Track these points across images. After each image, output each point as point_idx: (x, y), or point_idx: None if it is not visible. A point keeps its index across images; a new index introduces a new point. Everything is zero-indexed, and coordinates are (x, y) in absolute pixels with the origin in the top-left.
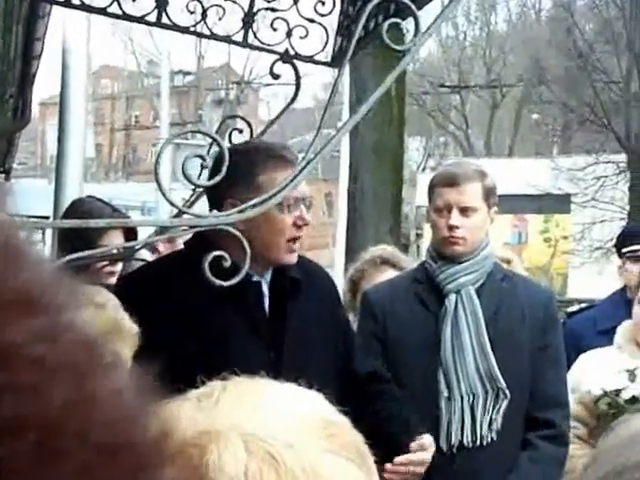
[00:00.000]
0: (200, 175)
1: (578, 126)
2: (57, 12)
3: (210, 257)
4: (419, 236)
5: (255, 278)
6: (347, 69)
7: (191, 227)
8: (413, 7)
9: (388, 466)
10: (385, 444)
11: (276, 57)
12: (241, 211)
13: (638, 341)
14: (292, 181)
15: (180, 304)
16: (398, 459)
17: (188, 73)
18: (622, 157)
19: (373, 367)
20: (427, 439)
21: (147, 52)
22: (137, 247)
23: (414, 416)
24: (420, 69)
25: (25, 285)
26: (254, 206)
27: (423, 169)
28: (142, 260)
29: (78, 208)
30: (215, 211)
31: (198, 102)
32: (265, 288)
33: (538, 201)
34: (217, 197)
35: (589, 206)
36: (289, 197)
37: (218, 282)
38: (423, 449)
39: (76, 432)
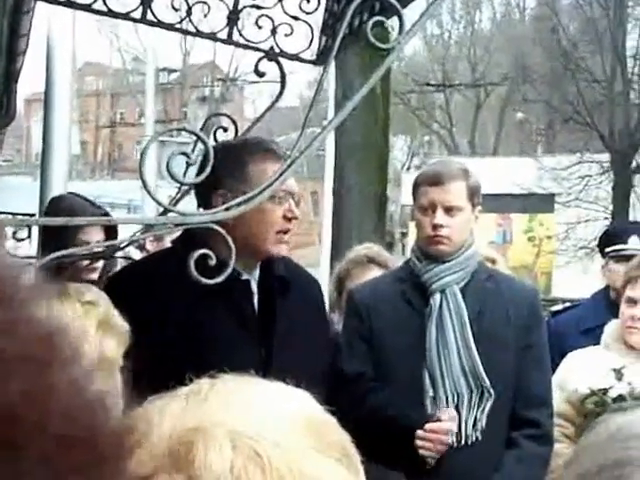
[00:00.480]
0: (186, 173)
1: (562, 125)
2: (42, 8)
3: (195, 255)
4: (404, 235)
5: (244, 276)
6: (332, 67)
7: (177, 225)
8: (397, 5)
9: (419, 432)
10: (392, 428)
11: (261, 55)
12: (227, 209)
13: (625, 340)
14: (278, 178)
15: (168, 302)
16: (429, 426)
17: (173, 70)
18: (606, 157)
19: (359, 368)
20: (453, 410)
21: (132, 49)
22: (122, 245)
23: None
24: (405, 68)
25: None
26: (240, 204)
27: (408, 168)
28: (127, 258)
29: (59, 205)
30: (201, 209)
31: (183, 99)
32: (254, 286)
33: (522, 200)
34: (206, 190)
35: (573, 206)
36: (278, 190)
37: (204, 280)
38: (452, 419)
39: (34, 423)
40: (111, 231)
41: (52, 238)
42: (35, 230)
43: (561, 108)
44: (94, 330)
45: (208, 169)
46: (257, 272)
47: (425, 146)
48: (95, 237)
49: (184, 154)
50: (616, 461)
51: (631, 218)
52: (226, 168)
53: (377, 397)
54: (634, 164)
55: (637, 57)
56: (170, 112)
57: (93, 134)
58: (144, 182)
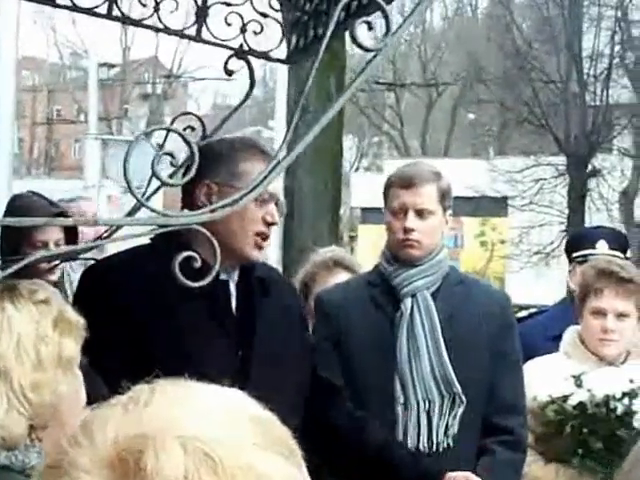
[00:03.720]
0: (151, 174)
1: (516, 126)
2: None
3: (180, 258)
4: (352, 238)
5: (222, 277)
6: (285, 66)
7: (160, 226)
8: (383, 4)
9: None
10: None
11: (228, 53)
12: (213, 210)
13: (588, 347)
14: (265, 179)
15: (147, 300)
16: None
17: (113, 66)
18: (561, 159)
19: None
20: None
21: (70, 43)
22: (97, 245)
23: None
24: (354, 66)
25: None
26: (225, 206)
27: (356, 169)
28: (92, 259)
29: (17, 203)
30: (186, 210)
31: (124, 96)
32: (232, 287)
33: (474, 204)
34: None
35: (527, 209)
36: (263, 192)
37: (189, 283)
38: None
39: None
40: (71, 231)
41: (8, 238)
42: None
43: (515, 109)
44: (51, 330)
45: (194, 169)
46: (236, 273)
47: (374, 147)
48: (53, 236)
49: (169, 154)
50: None
51: (587, 223)
52: (217, 161)
53: (374, 436)
54: (590, 167)
55: (593, 58)
56: (110, 109)
57: (29, 131)
58: (129, 184)
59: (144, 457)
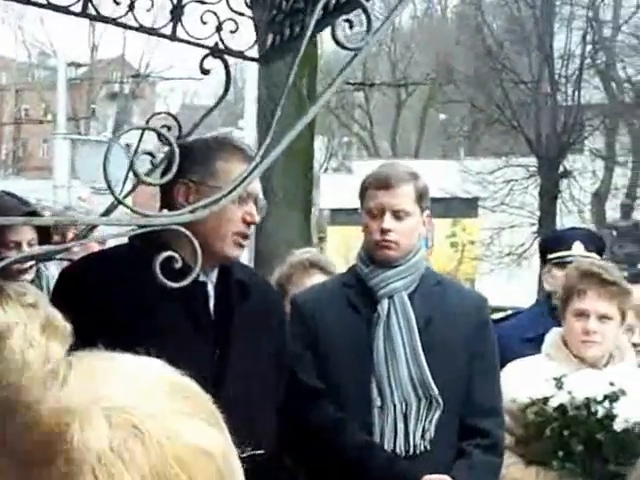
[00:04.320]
0: (128, 172)
1: (487, 127)
2: None
3: (161, 258)
4: (322, 240)
5: (201, 278)
6: (255, 66)
7: (140, 226)
8: (364, 2)
9: None
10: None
11: (198, 52)
12: (193, 211)
13: (569, 349)
14: (246, 179)
15: (125, 300)
16: None
17: (80, 65)
18: (532, 160)
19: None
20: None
21: (39, 43)
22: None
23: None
24: (324, 66)
25: None
26: (205, 206)
27: (325, 170)
28: (68, 260)
29: None
30: (166, 210)
31: (91, 96)
32: (211, 288)
33: (445, 204)
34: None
35: (498, 211)
36: (243, 191)
37: (170, 284)
38: None
39: None
40: (44, 231)
41: None
42: None
43: (486, 110)
44: (39, 334)
45: (174, 169)
46: (215, 275)
47: (344, 147)
48: (27, 237)
49: (149, 154)
50: None
51: (558, 224)
52: (194, 160)
53: (352, 438)
54: (561, 169)
55: (565, 58)
56: (78, 109)
57: None
58: (109, 184)
59: (70, 430)
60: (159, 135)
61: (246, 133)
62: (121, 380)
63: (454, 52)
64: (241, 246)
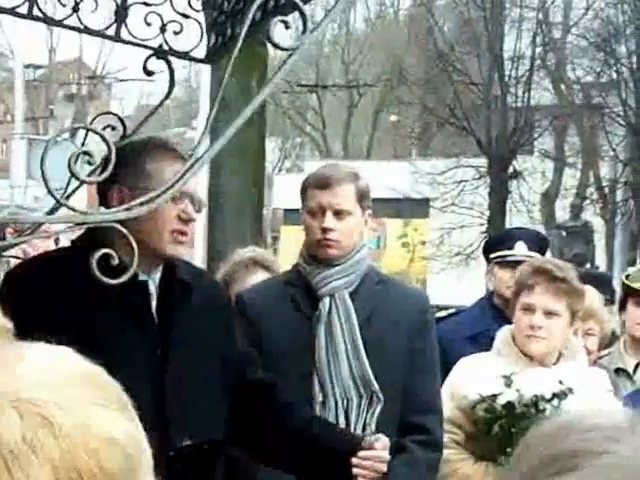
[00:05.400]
0: (71, 170)
1: (438, 128)
2: None
3: (97, 255)
4: (275, 239)
5: (142, 277)
6: (207, 66)
7: (77, 224)
8: (300, 4)
9: (354, 460)
10: (318, 449)
11: (149, 53)
12: (129, 208)
13: (522, 348)
14: (182, 177)
15: (67, 300)
16: (363, 453)
17: (39, 67)
18: (482, 161)
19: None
20: (385, 439)
21: None
22: (16, 243)
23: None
24: (277, 67)
25: None
26: (142, 204)
27: (279, 170)
28: (16, 257)
29: None
30: (102, 208)
31: (49, 97)
32: (152, 288)
33: (396, 205)
34: (103, 185)
35: (448, 211)
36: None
37: (107, 281)
38: (385, 448)
39: None
40: None
41: None
42: None
43: (437, 111)
44: None
45: (110, 167)
46: (158, 274)
47: (297, 148)
48: None
49: (86, 153)
50: (573, 452)
51: (507, 224)
52: (125, 164)
53: (299, 415)
54: (511, 169)
55: (515, 60)
56: (36, 110)
57: None
58: (46, 183)
59: None
60: (98, 134)
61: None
62: (31, 371)
63: (406, 54)
64: (180, 243)
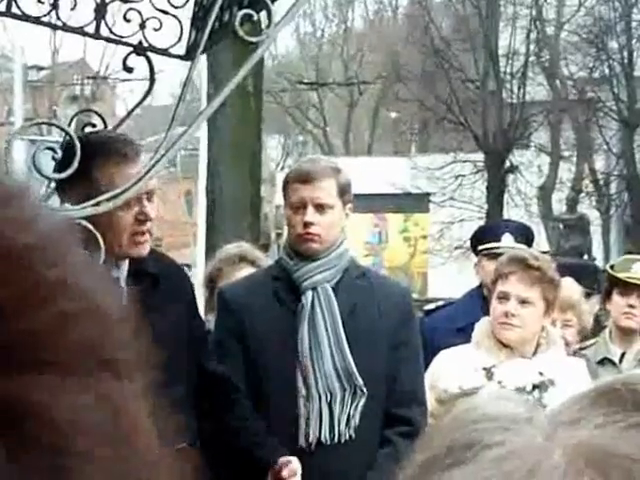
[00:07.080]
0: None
1: (435, 124)
2: None
3: None
4: (279, 235)
5: (114, 274)
6: (205, 64)
7: None
8: (269, 3)
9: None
10: (248, 463)
11: (129, 50)
12: (97, 204)
13: (496, 337)
14: (145, 175)
15: None
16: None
17: (42, 68)
18: (479, 156)
19: (226, 373)
20: (295, 467)
21: (0, 46)
22: None
23: (272, 439)
24: (278, 66)
25: None
26: (109, 199)
27: (282, 168)
28: None
29: None
30: (68, 205)
31: (52, 98)
32: (122, 283)
33: (397, 200)
34: (61, 190)
35: (447, 205)
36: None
37: None
38: (292, 475)
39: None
40: None
41: None
42: None
43: (434, 108)
44: None
45: (75, 164)
46: (125, 269)
47: (299, 146)
48: None
49: (51, 149)
50: (467, 443)
51: (505, 217)
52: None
53: (238, 414)
54: (507, 164)
55: (509, 56)
56: (39, 111)
57: None
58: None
59: None
60: (62, 129)
61: (202, 131)
62: None
63: (404, 52)
64: (140, 244)
